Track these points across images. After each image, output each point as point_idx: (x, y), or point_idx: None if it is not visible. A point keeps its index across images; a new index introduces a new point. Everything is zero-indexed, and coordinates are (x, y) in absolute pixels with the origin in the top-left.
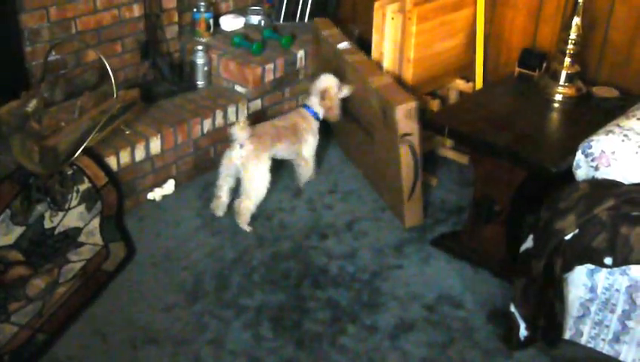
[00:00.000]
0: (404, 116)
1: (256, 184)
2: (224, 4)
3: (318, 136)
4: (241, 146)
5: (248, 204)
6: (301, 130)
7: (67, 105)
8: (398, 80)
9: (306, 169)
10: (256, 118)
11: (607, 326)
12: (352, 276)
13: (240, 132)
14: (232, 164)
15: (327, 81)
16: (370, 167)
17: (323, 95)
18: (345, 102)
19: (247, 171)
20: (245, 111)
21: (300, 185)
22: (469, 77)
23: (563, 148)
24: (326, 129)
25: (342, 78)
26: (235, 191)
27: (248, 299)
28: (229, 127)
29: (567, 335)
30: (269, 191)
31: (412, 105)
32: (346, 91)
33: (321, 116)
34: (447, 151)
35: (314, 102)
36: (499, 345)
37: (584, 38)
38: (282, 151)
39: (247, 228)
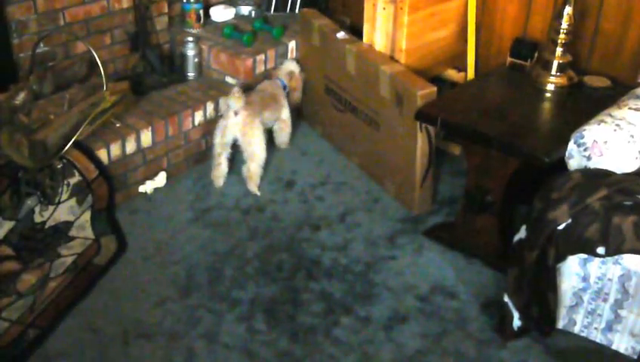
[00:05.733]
0: (425, 102)
1: (257, 146)
2: None
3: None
4: (236, 114)
5: (255, 167)
6: (279, 98)
7: (56, 98)
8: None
9: (286, 131)
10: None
11: (599, 315)
12: (346, 268)
13: (236, 101)
14: (229, 131)
15: (292, 66)
16: (371, 157)
17: (290, 76)
18: (337, 94)
19: (246, 135)
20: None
21: (283, 146)
22: (461, 67)
23: (555, 137)
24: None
25: (340, 68)
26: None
27: (241, 292)
28: (224, 98)
29: (560, 324)
30: (262, 184)
31: (432, 90)
32: (303, 77)
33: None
34: (439, 141)
35: (282, 77)
36: (493, 335)
37: (575, 27)
38: (267, 117)
39: (258, 192)
